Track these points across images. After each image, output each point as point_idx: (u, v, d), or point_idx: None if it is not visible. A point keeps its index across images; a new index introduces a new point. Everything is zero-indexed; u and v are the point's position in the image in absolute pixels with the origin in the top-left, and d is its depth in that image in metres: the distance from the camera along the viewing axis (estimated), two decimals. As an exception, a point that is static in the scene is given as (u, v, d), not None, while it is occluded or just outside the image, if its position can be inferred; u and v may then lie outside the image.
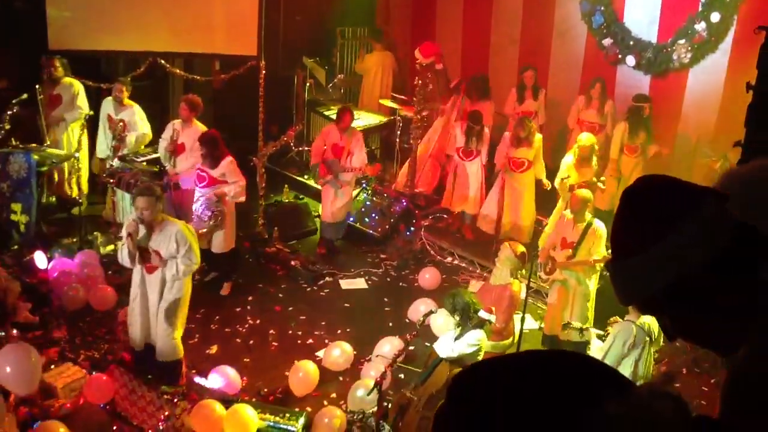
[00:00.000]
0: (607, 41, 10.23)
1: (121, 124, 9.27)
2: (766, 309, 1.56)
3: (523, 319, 6.84)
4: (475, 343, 6.17)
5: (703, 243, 1.53)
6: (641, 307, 1.68)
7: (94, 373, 6.76)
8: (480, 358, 6.11)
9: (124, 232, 6.55)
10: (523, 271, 7.44)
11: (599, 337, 7.24)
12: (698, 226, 1.54)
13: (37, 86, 9.26)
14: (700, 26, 9.23)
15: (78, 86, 9.66)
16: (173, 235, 6.37)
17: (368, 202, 10.17)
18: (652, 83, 9.95)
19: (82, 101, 9.69)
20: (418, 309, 8.04)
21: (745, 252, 1.56)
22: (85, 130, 9.61)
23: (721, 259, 1.54)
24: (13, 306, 7.26)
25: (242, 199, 8.45)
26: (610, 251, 1.74)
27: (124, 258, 6.59)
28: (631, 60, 10.02)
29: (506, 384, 1.16)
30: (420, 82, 10.11)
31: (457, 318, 6.31)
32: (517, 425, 1.11)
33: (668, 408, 1.14)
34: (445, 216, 10.24)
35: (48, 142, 9.35)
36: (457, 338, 6.26)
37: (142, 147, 9.55)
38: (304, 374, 7.11)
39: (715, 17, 9.13)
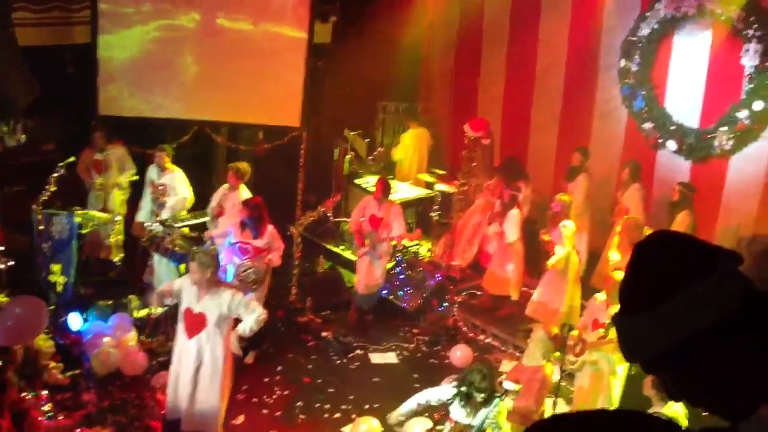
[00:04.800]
0: (647, 125, 10.21)
1: (162, 187, 9.47)
2: None
3: (555, 403, 6.69)
4: (491, 420, 5.89)
5: (712, 305, 1.48)
6: (645, 365, 1.63)
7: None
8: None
9: None
10: (557, 354, 7.29)
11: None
12: (709, 287, 1.49)
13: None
14: (743, 114, 9.18)
15: (124, 150, 9.96)
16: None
17: (402, 275, 10.13)
18: (693, 169, 9.89)
19: (131, 162, 9.98)
20: (448, 388, 7.89)
21: (756, 318, 1.50)
22: (127, 194, 9.82)
23: (730, 323, 1.48)
24: (44, 367, 7.33)
25: (278, 263, 8.52)
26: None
27: None
28: (672, 145, 9.97)
29: None
30: (466, 155, 10.12)
31: (463, 391, 5.92)
32: None
33: None
34: (479, 293, 10.14)
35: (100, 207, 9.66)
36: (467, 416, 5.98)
37: (183, 212, 9.68)
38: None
39: (757, 105, 9.08)
